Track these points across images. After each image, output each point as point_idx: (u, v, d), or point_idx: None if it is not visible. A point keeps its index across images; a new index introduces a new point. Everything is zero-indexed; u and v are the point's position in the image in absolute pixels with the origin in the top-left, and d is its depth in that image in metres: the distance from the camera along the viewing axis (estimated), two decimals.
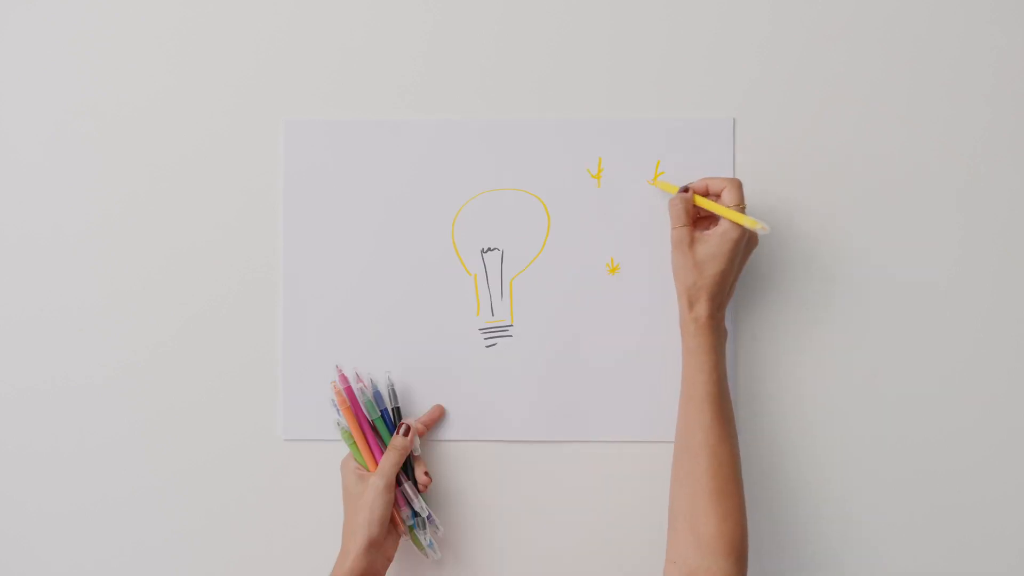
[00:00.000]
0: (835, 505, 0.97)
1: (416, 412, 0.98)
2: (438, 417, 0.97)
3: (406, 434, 0.93)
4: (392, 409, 0.96)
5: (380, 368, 0.97)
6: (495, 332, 0.98)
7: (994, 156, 0.97)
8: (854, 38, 0.98)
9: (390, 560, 0.92)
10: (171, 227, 0.98)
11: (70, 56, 0.99)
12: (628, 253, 0.98)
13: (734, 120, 0.97)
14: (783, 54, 0.98)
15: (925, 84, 0.98)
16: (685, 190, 0.93)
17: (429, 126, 0.98)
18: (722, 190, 0.91)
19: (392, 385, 0.96)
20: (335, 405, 0.94)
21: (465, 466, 0.98)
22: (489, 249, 0.98)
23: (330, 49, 0.98)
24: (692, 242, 0.91)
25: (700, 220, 0.94)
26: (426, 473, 0.95)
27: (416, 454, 0.95)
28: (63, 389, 0.98)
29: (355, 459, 0.94)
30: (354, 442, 0.94)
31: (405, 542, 0.96)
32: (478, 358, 0.98)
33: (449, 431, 0.98)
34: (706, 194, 0.93)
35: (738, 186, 0.91)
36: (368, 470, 0.93)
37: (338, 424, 0.94)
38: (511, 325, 0.98)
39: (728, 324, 0.96)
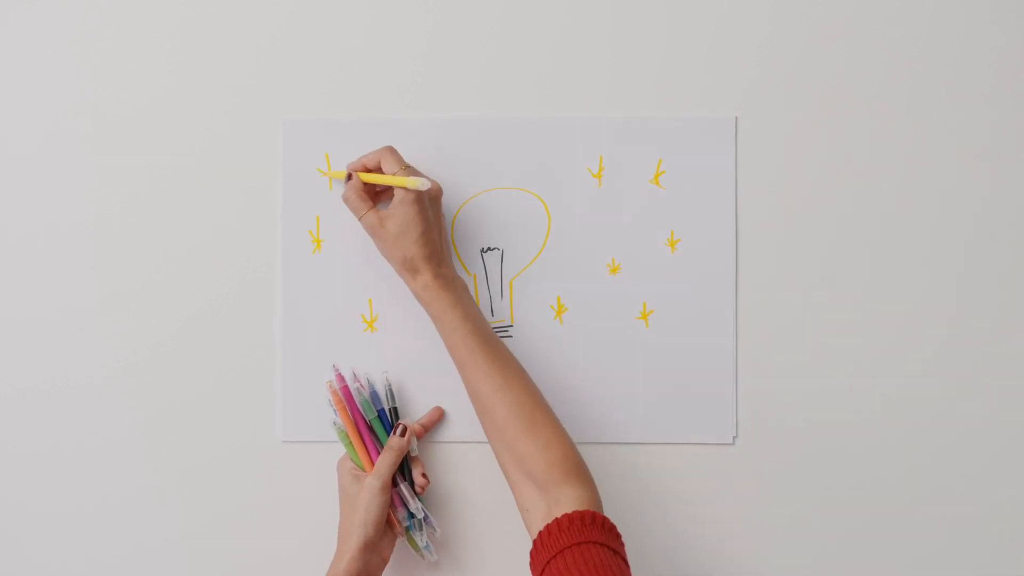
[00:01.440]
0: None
1: (415, 413, 0.97)
2: (437, 419, 0.97)
3: (403, 434, 0.93)
4: (389, 409, 0.95)
5: (379, 369, 0.97)
6: (495, 332, 0.97)
7: (995, 155, 0.97)
8: (855, 37, 0.98)
9: (386, 562, 0.92)
10: (170, 227, 0.98)
11: (70, 56, 0.98)
12: (628, 253, 0.98)
13: (736, 118, 0.97)
14: (784, 52, 0.98)
15: (925, 82, 0.98)
16: (349, 177, 0.93)
17: (428, 125, 0.98)
18: (379, 162, 0.92)
19: (389, 385, 0.96)
20: (331, 405, 0.94)
21: (464, 468, 0.97)
22: (489, 249, 0.98)
23: (329, 49, 0.98)
24: (381, 222, 0.91)
25: (381, 194, 0.96)
26: (423, 475, 0.94)
27: (413, 455, 0.95)
28: (63, 389, 0.98)
29: (351, 459, 0.94)
30: (350, 442, 0.93)
31: (402, 543, 0.95)
32: None
33: (448, 432, 0.98)
34: (368, 171, 0.93)
35: (391, 152, 0.92)
36: (364, 471, 0.93)
37: (334, 424, 0.93)
38: (511, 325, 0.98)
39: (729, 321, 0.96)
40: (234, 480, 0.98)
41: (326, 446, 0.96)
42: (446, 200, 0.97)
